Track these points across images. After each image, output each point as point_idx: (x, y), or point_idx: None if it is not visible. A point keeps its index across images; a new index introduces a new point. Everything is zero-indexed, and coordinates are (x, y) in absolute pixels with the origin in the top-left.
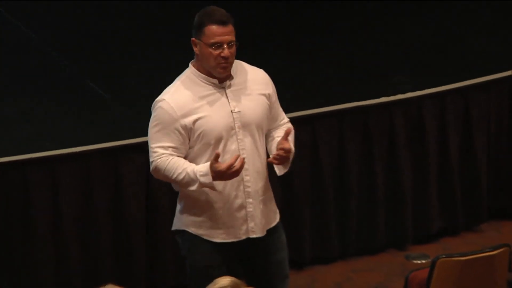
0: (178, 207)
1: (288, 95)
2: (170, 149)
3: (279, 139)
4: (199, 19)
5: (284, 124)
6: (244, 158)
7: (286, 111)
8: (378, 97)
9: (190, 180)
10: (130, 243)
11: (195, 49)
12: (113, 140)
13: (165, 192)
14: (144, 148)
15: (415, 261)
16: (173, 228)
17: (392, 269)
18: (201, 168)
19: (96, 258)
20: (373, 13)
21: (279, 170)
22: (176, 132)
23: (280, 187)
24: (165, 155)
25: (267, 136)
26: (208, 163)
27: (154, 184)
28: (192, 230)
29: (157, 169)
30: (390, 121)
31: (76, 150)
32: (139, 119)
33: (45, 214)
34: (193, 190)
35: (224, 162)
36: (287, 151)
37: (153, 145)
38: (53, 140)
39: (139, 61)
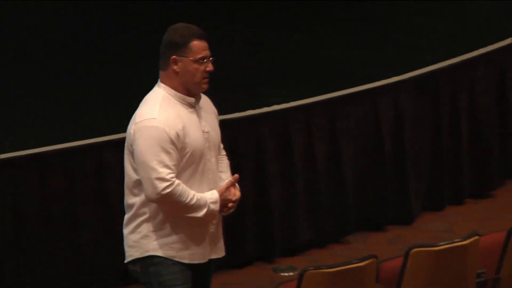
0: (136, 235)
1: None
2: (173, 167)
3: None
4: (180, 36)
5: (222, 153)
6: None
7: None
8: (245, 109)
9: (199, 207)
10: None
11: (175, 67)
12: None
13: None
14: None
15: (282, 274)
16: (131, 258)
17: (260, 282)
18: (210, 195)
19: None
20: (240, 23)
21: None
22: (174, 149)
23: None
24: (174, 178)
25: None
26: (215, 191)
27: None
28: (161, 253)
29: (171, 194)
30: (257, 134)
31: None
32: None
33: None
34: (198, 217)
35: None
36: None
37: (156, 166)
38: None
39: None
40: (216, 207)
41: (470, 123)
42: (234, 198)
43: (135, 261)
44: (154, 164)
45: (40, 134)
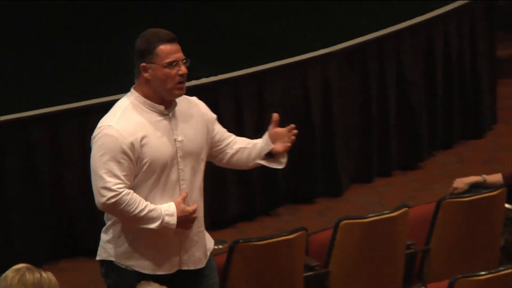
0: (105, 237)
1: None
2: (123, 177)
3: (250, 146)
4: (147, 42)
5: (237, 138)
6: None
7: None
8: None
9: (152, 218)
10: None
11: (146, 75)
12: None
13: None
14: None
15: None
16: (98, 258)
17: None
18: (167, 207)
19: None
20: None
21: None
22: (127, 159)
23: None
24: (122, 188)
25: (221, 155)
26: (173, 203)
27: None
28: (120, 261)
29: (116, 204)
30: None
31: None
32: None
33: None
34: (151, 229)
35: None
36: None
37: (104, 175)
38: None
39: None
40: (171, 220)
41: (398, 95)
42: (191, 214)
43: (101, 262)
44: (102, 172)
45: None
